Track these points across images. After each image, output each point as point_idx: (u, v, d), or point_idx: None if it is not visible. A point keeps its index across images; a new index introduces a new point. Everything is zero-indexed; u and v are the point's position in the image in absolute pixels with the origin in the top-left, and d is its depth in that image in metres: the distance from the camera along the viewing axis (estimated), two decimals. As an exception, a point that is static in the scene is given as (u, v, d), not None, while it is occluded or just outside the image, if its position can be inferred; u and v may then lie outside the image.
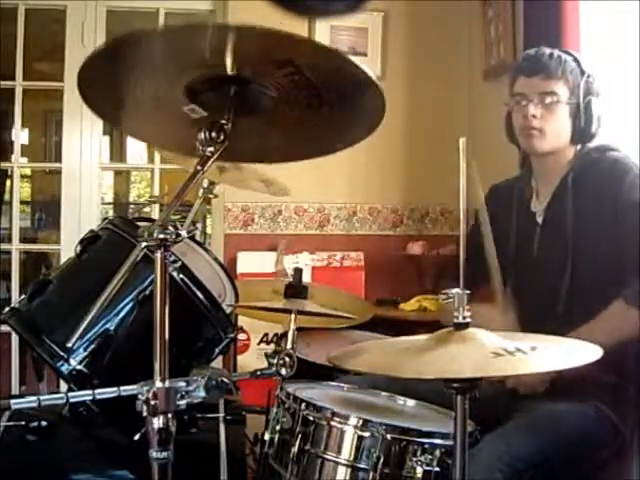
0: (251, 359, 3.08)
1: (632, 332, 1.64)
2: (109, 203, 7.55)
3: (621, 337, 1.62)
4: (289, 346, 1.66)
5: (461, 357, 1.11)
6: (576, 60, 1.79)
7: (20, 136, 3.84)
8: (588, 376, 1.51)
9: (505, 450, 1.47)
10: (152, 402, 1.07)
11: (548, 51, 1.80)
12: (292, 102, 1.19)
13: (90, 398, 1.18)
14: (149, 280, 1.51)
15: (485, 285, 1.73)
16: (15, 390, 3.27)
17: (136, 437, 1.14)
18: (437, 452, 1.40)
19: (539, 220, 1.84)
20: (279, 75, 1.12)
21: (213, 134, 1.16)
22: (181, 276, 1.56)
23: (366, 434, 1.44)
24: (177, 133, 1.34)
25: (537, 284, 1.81)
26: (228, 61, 1.10)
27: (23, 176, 6.14)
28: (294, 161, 1.46)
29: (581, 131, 1.77)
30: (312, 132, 1.30)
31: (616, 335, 1.60)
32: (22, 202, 5.02)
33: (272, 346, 3.07)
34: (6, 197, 5.57)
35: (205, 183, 2.31)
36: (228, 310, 1.79)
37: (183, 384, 1.12)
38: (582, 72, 1.78)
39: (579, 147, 1.82)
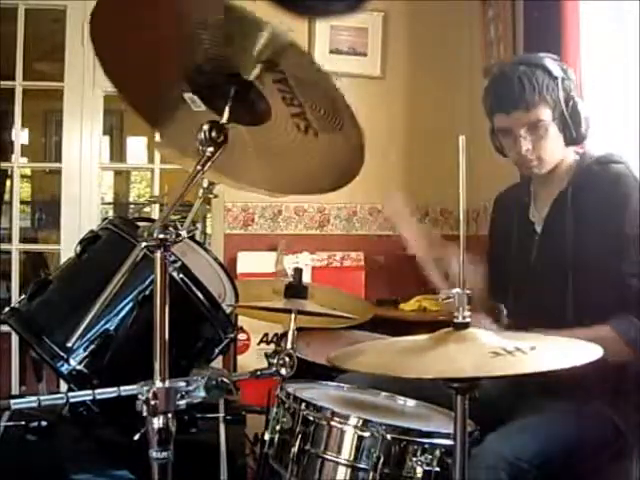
0: (251, 359, 3.08)
1: (610, 355, 1.61)
2: (109, 203, 7.55)
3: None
4: (289, 346, 1.66)
5: (460, 357, 1.11)
6: (544, 69, 1.69)
7: (20, 136, 3.84)
8: (589, 377, 1.51)
9: (509, 450, 1.47)
10: (152, 402, 1.07)
11: (515, 76, 1.68)
12: (281, 121, 1.19)
13: (90, 398, 1.18)
14: (149, 280, 1.51)
15: None
16: (15, 390, 3.27)
17: (136, 437, 1.14)
18: (437, 452, 1.40)
19: (537, 230, 1.81)
20: (269, 79, 1.12)
21: (213, 134, 1.16)
22: (181, 276, 1.56)
23: (366, 434, 1.44)
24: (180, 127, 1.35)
25: (534, 297, 1.78)
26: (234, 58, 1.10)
27: (23, 176, 6.14)
28: (281, 194, 1.46)
29: (572, 138, 1.73)
30: (299, 164, 1.30)
31: None
32: (22, 202, 5.01)
33: (272, 346, 3.07)
34: (6, 197, 5.57)
35: (205, 183, 2.31)
36: (228, 310, 1.79)
37: (183, 384, 1.12)
38: (554, 79, 1.69)
39: (578, 156, 1.78)
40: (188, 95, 1.22)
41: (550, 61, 1.73)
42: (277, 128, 1.22)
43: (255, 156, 1.33)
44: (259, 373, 1.37)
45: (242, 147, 1.30)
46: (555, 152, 1.75)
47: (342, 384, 1.81)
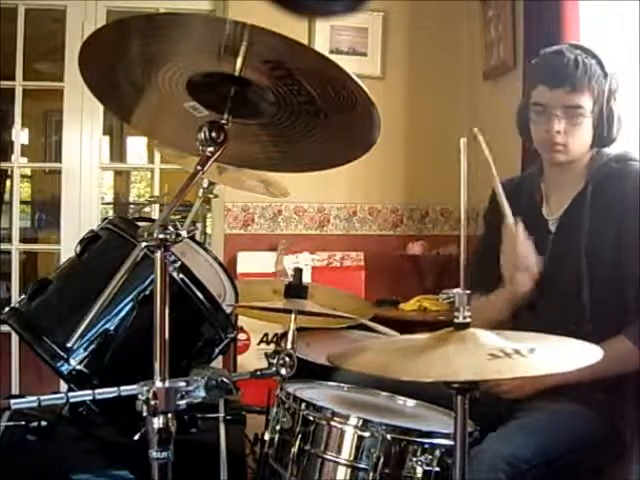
0: (251, 359, 3.08)
1: (630, 367, 1.61)
2: (109, 203, 7.54)
3: (618, 370, 1.61)
4: (289, 346, 1.66)
5: (459, 359, 1.10)
6: (599, 62, 1.69)
7: (20, 136, 3.84)
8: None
9: (508, 450, 1.46)
10: (152, 402, 1.07)
11: (572, 56, 1.68)
12: (289, 108, 1.19)
13: (90, 398, 1.18)
14: (149, 280, 1.51)
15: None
16: (15, 390, 3.27)
17: (136, 437, 1.14)
18: (437, 452, 1.40)
19: (552, 229, 1.78)
20: (273, 77, 1.12)
21: (213, 134, 1.16)
22: (181, 276, 1.56)
23: (366, 434, 1.44)
24: (178, 129, 1.35)
25: (548, 296, 1.74)
26: (232, 59, 1.10)
27: (23, 176, 6.14)
28: (291, 172, 1.47)
29: (603, 137, 1.71)
30: (309, 143, 1.30)
31: (614, 367, 1.58)
32: (22, 202, 5.01)
33: (272, 346, 3.07)
34: (6, 197, 5.57)
35: (205, 183, 2.31)
36: (228, 310, 1.79)
37: (183, 384, 1.12)
38: (605, 74, 1.68)
39: (595, 152, 1.75)
40: (189, 104, 1.21)
41: (603, 56, 1.72)
42: (286, 118, 1.22)
43: (270, 144, 1.32)
44: (259, 373, 1.37)
45: (255, 139, 1.30)
46: (582, 146, 1.72)
47: (342, 384, 1.81)
